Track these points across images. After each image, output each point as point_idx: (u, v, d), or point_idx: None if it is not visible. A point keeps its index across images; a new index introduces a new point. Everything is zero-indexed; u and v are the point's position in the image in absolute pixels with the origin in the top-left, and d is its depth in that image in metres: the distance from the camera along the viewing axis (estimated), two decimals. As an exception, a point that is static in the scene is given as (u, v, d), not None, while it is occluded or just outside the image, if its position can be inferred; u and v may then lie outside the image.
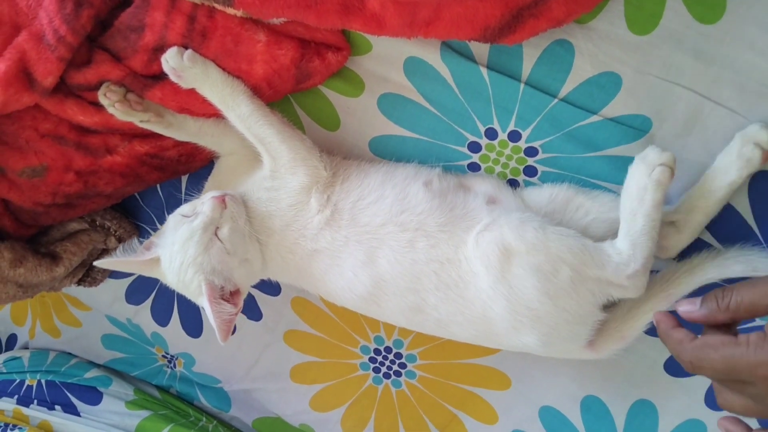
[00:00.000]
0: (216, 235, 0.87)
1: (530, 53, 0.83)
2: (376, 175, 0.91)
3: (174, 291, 0.91)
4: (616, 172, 0.87)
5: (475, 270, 0.83)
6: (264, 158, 0.90)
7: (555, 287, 0.79)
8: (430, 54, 0.87)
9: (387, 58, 0.89)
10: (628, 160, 0.84)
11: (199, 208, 0.88)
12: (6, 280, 1.00)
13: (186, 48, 0.85)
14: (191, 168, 1.05)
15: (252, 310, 1.17)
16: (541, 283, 0.79)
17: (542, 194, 0.89)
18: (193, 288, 0.88)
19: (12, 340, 1.49)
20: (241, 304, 0.89)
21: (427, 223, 0.85)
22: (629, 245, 0.78)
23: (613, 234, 0.83)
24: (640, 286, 0.80)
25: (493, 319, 0.83)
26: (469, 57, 0.86)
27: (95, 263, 0.94)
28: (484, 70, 0.85)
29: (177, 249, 0.87)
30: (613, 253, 0.79)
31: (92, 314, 1.34)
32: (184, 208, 0.91)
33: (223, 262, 0.87)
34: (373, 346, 1.12)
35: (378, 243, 0.87)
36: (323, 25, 0.80)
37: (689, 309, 0.65)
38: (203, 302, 0.86)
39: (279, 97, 0.94)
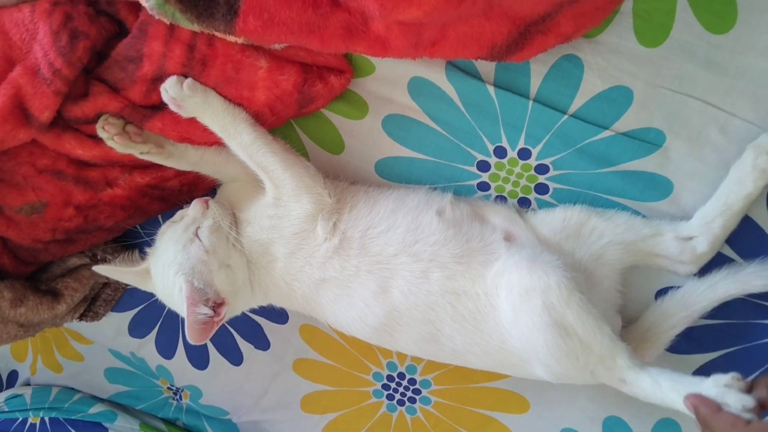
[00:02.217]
0: (197, 234, 0.86)
1: (538, 70, 0.82)
2: (385, 202, 0.88)
3: (179, 323, 0.89)
4: (630, 187, 0.85)
5: (493, 305, 0.81)
6: (266, 186, 0.88)
7: (560, 349, 0.78)
8: (435, 74, 0.85)
9: (391, 79, 0.87)
10: (642, 175, 0.83)
11: (185, 212, 0.89)
12: (7, 321, 0.97)
13: (185, 77, 0.83)
14: (193, 197, 1.02)
15: (259, 339, 1.14)
16: (548, 342, 0.78)
17: (555, 219, 0.87)
18: (176, 292, 0.86)
19: (13, 376, 1.46)
20: (223, 314, 0.86)
21: (441, 254, 0.84)
22: None
23: (630, 258, 0.85)
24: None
25: (509, 351, 0.82)
26: (475, 75, 0.84)
27: (94, 268, 0.94)
28: (491, 88, 0.84)
29: (161, 251, 0.88)
30: (621, 360, 0.79)
31: (94, 348, 1.31)
32: (175, 216, 0.92)
33: (202, 262, 0.85)
34: (385, 372, 1.09)
35: (390, 273, 0.85)
36: (327, 49, 0.78)
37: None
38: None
39: (281, 123, 0.92)
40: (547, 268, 0.79)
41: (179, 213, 0.92)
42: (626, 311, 0.89)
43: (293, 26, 0.73)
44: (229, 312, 0.89)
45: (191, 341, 0.84)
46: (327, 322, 0.93)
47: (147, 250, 0.94)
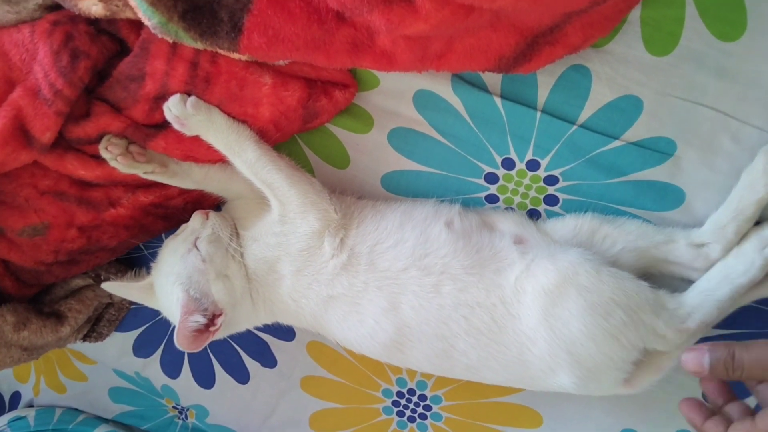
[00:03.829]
0: (195, 244, 0.86)
1: (545, 81, 0.81)
2: (393, 216, 0.87)
3: None
4: (641, 197, 0.84)
5: (513, 313, 0.80)
6: (272, 203, 0.87)
7: (603, 332, 0.76)
8: (441, 86, 0.84)
9: (396, 93, 0.86)
10: (654, 185, 0.82)
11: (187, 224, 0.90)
12: (10, 345, 0.95)
13: (189, 95, 0.82)
14: (196, 214, 1.02)
15: (266, 357, 1.13)
16: (588, 327, 0.76)
17: (566, 227, 0.86)
18: (174, 302, 0.85)
19: (16, 398, 1.44)
20: (218, 325, 0.85)
21: (452, 266, 0.82)
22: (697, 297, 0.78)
23: (643, 265, 0.83)
24: (680, 345, 0.78)
25: (529, 362, 0.80)
26: (482, 87, 0.83)
27: (102, 285, 0.93)
28: (498, 100, 0.83)
29: (162, 263, 0.88)
30: (671, 305, 0.77)
31: (98, 367, 1.29)
32: (179, 230, 0.92)
33: (199, 271, 0.84)
34: (395, 388, 1.08)
35: (400, 288, 0.83)
36: (333, 65, 0.77)
37: (696, 369, 0.65)
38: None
39: (286, 139, 0.91)
40: (568, 256, 0.78)
41: (182, 226, 0.92)
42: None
43: (298, 42, 0.72)
44: (227, 325, 0.87)
45: (180, 347, 0.83)
46: (336, 340, 0.91)
47: (152, 265, 0.93)
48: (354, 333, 0.87)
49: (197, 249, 0.86)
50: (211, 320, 0.85)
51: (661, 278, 0.86)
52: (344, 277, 0.85)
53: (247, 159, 0.84)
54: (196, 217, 0.90)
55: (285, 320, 0.94)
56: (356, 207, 0.90)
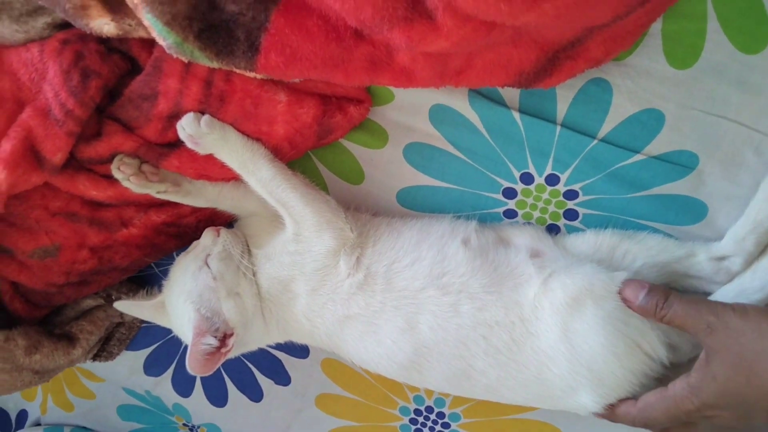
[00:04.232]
0: (206, 262, 0.85)
1: (564, 94, 0.80)
2: (409, 233, 0.86)
3: None
4: (663, 211, 0.83)
5: (531, 331, 0.78)
6: (286, 222, 0.86)
7: (623, 340, 0.75)
8: (458, 101, 0.83)
9: (411, 107, 0.85)
10: (676, 198, 0.81)
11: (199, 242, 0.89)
12: (21, 369, 0.94)
13: (202, 113, 0.80)
14: (208, 231, 1.00)
15: (279, 374, 1.11)
16: (608, 338, 0.75)
17: (586, 242, 0.85)
18: (185, 322, 0.84)
19: (22, 416, 1.42)
20: (230, 346, 0.84)
21: (470, 285, 0.81)
22: None
23: (664, 281, 0.83)
24: None
25: (548, 381, 0.79)
26: (500, 101, 0.82)
27: (114, 305, 0.93)
28: (516, 114, 0.82)
29: (173, 282, 0.87)
30: None
31: (106, 385, 1.28)
32: (190, 247, 0.91)
33: (210, 289, 0.83)
34: (413, 406, 1.06)
35: (418, 308, 0.82)
36: (351, 83, 0.76)
37: (630, 297, 0.75)
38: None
39: (300, 155, 0.89)
40: (584, 269, 0.78)
41: (193, 243, 0.91)
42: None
43: (316, 61, 0.71)
44: (239, 345, 0.86)
45: (192, 372, 0.81)
46: (351, 359, 0.90)
47: (163, 283, 0.92)
48: (370, 353, 0.86)
49: (208, 266, 0.85)
50: (223, 341, 0.84)
51: (683, 293, 0.84)
52: (360, 296, 0.84)
53: (262, 177, 0.83)
54: (207, 234, 0.89)
55: (299, 339, 0.93)
56: (372, 225, 0.88)
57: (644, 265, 0.82)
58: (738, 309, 0.70)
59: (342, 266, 0.84)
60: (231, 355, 0.86)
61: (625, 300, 0.76)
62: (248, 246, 0.90)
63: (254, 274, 0.88)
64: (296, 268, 0.85)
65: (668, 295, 0.73)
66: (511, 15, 0.63)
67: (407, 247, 0.85)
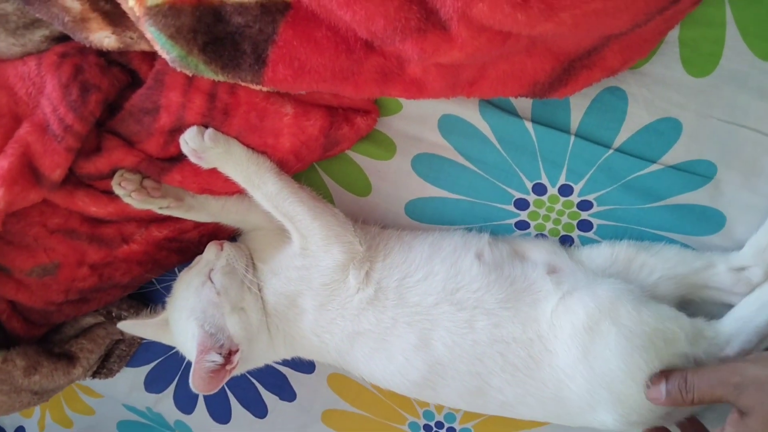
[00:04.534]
0: (209, 277, 0.83)
1: (578, 103, 0.78)
2: (421, 247, 0.84)
3: None
4: (680, 221, 0.81)
5: (549, 348, 0.76)
6: (293, 236, 0.84)
7: (642, 367, 0.73)
8: (468, 111, 0.81)
9: (419, 118, 0.83)
10: (693, 208, 0.80)
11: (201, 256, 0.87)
12: (20, 390, 0.91)
13: (206, 126, 0.78)
14: (211, 245, 0.98)
15: (284, 390, 1.09)
16: (628, 364, 0.73)
17: (601, 255, 0.83)
18: (189, 339, 0.82)
19: (20, 433, 1.40)
20: (235, 362, 0.82)
21: (486, 301, 0.79)
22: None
23: (682, 293, 0.81)
24: None
25: (567, 398, 0.77)
26: (511, 111, 0.80)
27: (118, 326, 0.90)
28: (528, 124, 0.80)
29: (176, 298, 0.85)
30: (709, 333, 0.75)
31: (106, 401, 1.25)
32: (193, 262, 0.89)
33: (213, 305, 0.81)
34: (422, 422, 1.04)
35: (431, 324, 0.80)
36: (361, 95, 0.73)
37: (657, 397, 0.73)
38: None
39: (305, 167, 0.87)
40: (606, 290, 0.76)
41: (197, 258, 0.89)
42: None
43: (325, 74, 0.68)
44: (244, 361, 0.84)
45: (196, 390, 0.80)
46: (362, 376, 0.88)
47: (166, 300, 0.90)
48: (382, 370, 0.84)
49: (211, 281, 0.83)
50: (227, 357, 0.82)
51: (702, 304, 0.83)
52: (371, 312, 0.82)
53: (268, 192, 0.81)
54: (211, 249, 0.87)
55: (306, 355, 0.91)
56: (381, 238, 0.86)
57: (661, 277, 0.80)
58: (758, 360, 0.70)
59: (351, 281, 0.82)
60: (236, 372, 0.84)
61: (652, 401, 0.73)
62: (253, 260, 0.88)
63: (259, 289, 0.85)
64: (303, 283, 0.83)
65: (686, 376, 0.71)
66: (528, 25, 0.61)
67: (419, 262, 0.83)
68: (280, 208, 0.82)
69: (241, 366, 0.85)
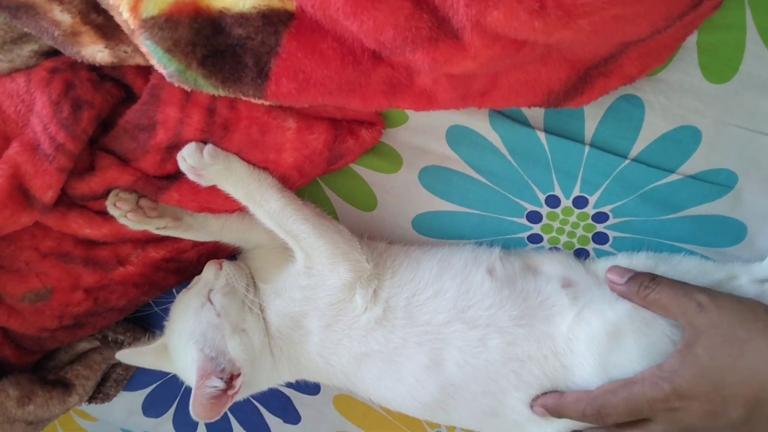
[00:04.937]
0: (209, 298, 0.79)
1: (593, 112, 0.75)
2: (429, 263, 0.81)
3: None
4: (699, 232, 0.78)
5: (566, 365, 0.74)
6: (297, 254, 0.80)
7: None
8: (478, 121, 0.78)
9: (426, 129, 0.80)
10: (713, 219, 0.77)
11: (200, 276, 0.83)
12: (13, 420, 0.87)
13: (204, 143, 0.75)
14: (210, 265, 0.94)
15: (288, 413, 1.05)
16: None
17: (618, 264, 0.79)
18: (189, 363, 0.79)
19: (13, 458, 1.35)
20: (237, 387, 0.78)
21: (499, 318, 0.76)
22: None
23: None
24: None
25: None
26: (523, 121, 0.77)
27: (117, 356, 0.87)
28: (541, 134, 0.77)
29: (174, 321, 0.82)
30: None
31: (102, 424, 1.21)
32: (192, 283, 0.85)
33: (214, 327, 0.78)
34: (433, 443, 1.01)
35: (443, 344, 0.77)
36: (368, 108, 0.70)
37: (615, 279, 0.74)
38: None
39: (308, 183, 0.84)
40: (625, 304, 0.74)
41: (195, 279, 0.85)
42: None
43: (331, 86, 0.65)
44: (246, 386, 0.81)
45: (197, 418, 0.76)
46: (370, 398, 0.84)
47: (165, 324, 0.86)
48: (392, 392, 0.81)
49: (211, 302, 0.80)
50: (229, 382, 0.79)
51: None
52: (379, 332, 0.78)
53: (270, 209, 0.78)
54: (210, 268, 0.83)
55: (312, 378, 0.88)
56: (388, 254, 0.83)
57: None
58: (734, 295, 0.69)
59: (358, 300, 0.79)
60: (238, 397, 0.80)
61: (609, 282, 0.74)
62: (254, 279, 0.85)
63: (262, 310, 0.82)
64: (308, 303, 0.80)
65: (656, 277, 0.71)
66: (545, 33, 0.58)
67: (428, 278, 0.80)
68: (284, 226, 0.78)
69: (244, 391, 0.82)
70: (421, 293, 0.79)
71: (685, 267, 0.78)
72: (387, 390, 0.81)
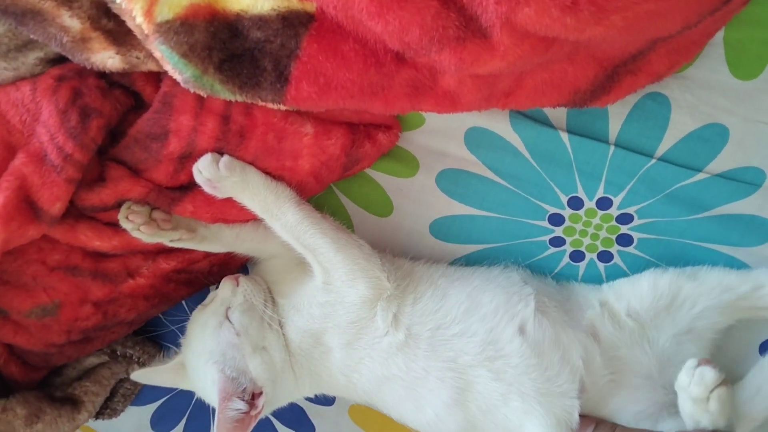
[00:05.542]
0: (227, 317, 0.77)
1: (617, 112, 0.73)
2: (457, 298, 0.77)
3: (209, 413, 0.83)
4: (727, 232, 0.77)
5: None
6: (314, 269, 0.78)
7: None
8: (498, 123, 0.76)
9: (444, 131, 0.78)
10: (741, 218, 0.76)
11: (216, 293, 0.81)
12: (21, 440, 0.84)
13: (219, 152, 0.72)
14: (223, 277, 0.91)
15: (302, 424, 1.03)
16: None
17: (644, 297, 0.77)
18: (209, 384, 0.76)
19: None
20: (260, 407, 0.76)
21: (523, 383, 0.74)
22: None
23: (730, 318, 0.77)
24: None
25: None
26: (545, 122, 0.75)
27: (131, 376, 0.86)
28: (564, 135, 0.75)
29: (191, 339, 0.79)
30: None
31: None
32: (206, 299, 0.83)
33: (234, 347, 0.75)
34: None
35: (467, 385, 0.75)
36: (391, 111, 0.68)
37: None
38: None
39: (324, 189, 0.82)
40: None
41: (210, 295, 0.83)
42: (731, 372, 0.80)
43: (353, 89, 0.63)
44: (269, 403, 0.78)
45: None
46: (391, 417, 0.82)
47: (181, 341, 0.84)
48: (411, 418, 0.80)
49: (229, 321, 0.77)
50: (251, 402, 0.76)
51: (749, 323, 0.79)
52: (401, 358, 0.76)
53: (287, 222, 0.75)
54: (226, 285, 0.80)
55: (332, 393, 0.86)
56: (411, 279, 0.80)
57: (705, 309, 0.76)
58: None
59: (379, 321, 0.76)
60: (262, 415, 0.77)
61: None
62: (271, 294, 0.82)
63: (281, 326, 0.79)
64: (328, 320, 0.77)
65: (614, 428, 0.72)
66: (577, 29, 0.56)
67: (455, 314, 0.76)
68: (301, 239, 0.76)
69: (266, 409, 0.79)
70: (447, 328, 0.76)
71: (710, 283, 0.76)
72: (407, 415, 0.80)
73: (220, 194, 0.73)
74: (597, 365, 0.75)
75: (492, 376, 0.74)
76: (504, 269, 0.82)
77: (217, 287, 0.82)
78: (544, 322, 0.76)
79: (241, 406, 0.74)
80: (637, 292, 0.77)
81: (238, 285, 0.80)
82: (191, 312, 0.96)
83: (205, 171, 0.71)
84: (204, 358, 0.77)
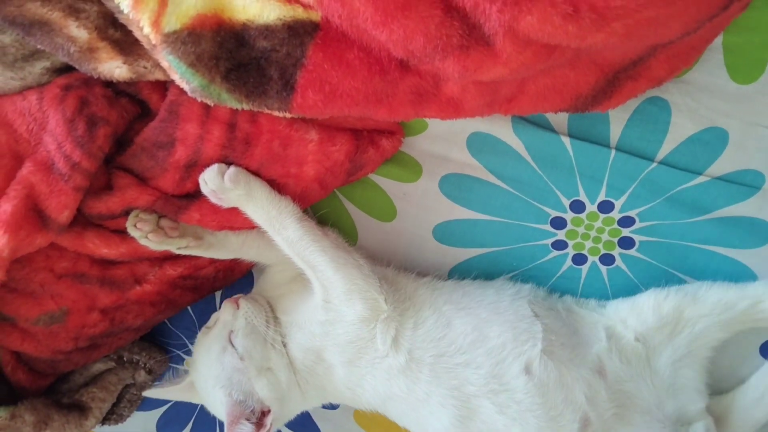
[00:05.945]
0: (230, 341, 0.78)
1: (618, 116, 0.74)
2: (463, 329, 0.77)
3: (215, 418, 0.83)
4: (727, 234, 0.78)
5: None
6: (314, 286, 0.78)
7: None
8: (500, 128, 0.77)
9: (446, 136, 0.79)
10: (741, 221, 0.77)
11: (219, 314, 0.81)
12: (29, 447, 0.84)
13: (226, 161, 0.73)
14: (228, 283, 0.93)
15: (307, 428, 1.03)
16: None
17: (648, 323, 0.78)
18: (218, 407, 0.78)
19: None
20: (268, 425, 0.77)
21: (528, 420, 0.74)
22: None
23: (730, 332, 0.78)
24: None
25: None
26: (546, 126, 0.76)
27: (145, 393, 0.88)
28: (565, 139, 0.76)
29: (198, 363, 0.81)
30: None
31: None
32: (209, 321, 0.84)
33: (239, 371, 0.76)
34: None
35: (470, 414, 0.75)
36: (395, 118, 0.69)
37: None
38: None
39: (328, 194, 0.82)
40: None
41: (213, 316, 0.84)
42: (732, 373, 0.81)
43: (358, 97, 0.64)
44: (277, 420, 0.79)
45: None
46: (397, 424, 0.83)
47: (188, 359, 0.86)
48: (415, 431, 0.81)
49: (233, 345, 0.78)
50: (260, 421, 0.77)
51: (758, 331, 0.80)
52: (402, 380, 0.77)
53: (288, 237, 0.76)
54: (227, 308, 0.81)
55: (341, 402, 0.88)
56: (413, 301, 0.80)
57: (705, 327, 0.77)
58: None
59: (378, 342, 0.76)
60: (273, 430, 0.78)
61: None
62: (273, 311, 0.83)
63: (284, 344, 0.80)
64: (328, 338, 0.78)
65: None
66: (578, 37, 0.57)
67: (460, 344, 0.77)
68: (301, 255, 0.77)
69: (275, 425, 0.80)
70: (452, 357, 0.76)
71: (711, 300, 0.76)
72: (411, 428, 0.81)
73: (225, 204, 0.74)
74: (602, 399, 0.75)
75: (496, 409, 0.74)
76: (513, 299, 0.80)
77: (221, 298, 0.83)
78: (549, 364, 0.75)
79: (248, 428, 0.75)
80: (642, 319, 0.78)
81: (238, 308, 0.80)
82: (197, 318, 0.97)
83: (210, 182, 0.72)
84: (211, 383, 0.78)
